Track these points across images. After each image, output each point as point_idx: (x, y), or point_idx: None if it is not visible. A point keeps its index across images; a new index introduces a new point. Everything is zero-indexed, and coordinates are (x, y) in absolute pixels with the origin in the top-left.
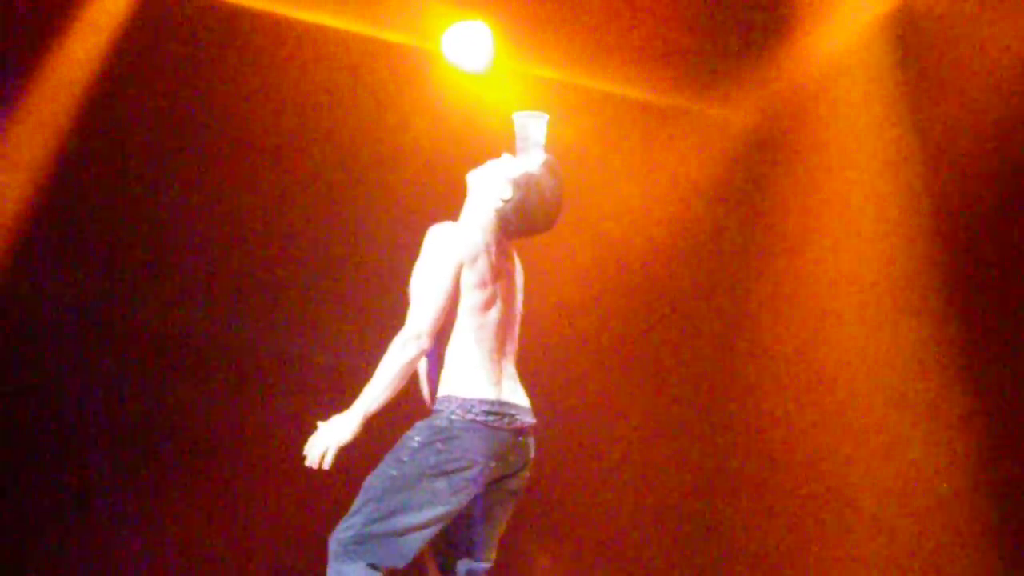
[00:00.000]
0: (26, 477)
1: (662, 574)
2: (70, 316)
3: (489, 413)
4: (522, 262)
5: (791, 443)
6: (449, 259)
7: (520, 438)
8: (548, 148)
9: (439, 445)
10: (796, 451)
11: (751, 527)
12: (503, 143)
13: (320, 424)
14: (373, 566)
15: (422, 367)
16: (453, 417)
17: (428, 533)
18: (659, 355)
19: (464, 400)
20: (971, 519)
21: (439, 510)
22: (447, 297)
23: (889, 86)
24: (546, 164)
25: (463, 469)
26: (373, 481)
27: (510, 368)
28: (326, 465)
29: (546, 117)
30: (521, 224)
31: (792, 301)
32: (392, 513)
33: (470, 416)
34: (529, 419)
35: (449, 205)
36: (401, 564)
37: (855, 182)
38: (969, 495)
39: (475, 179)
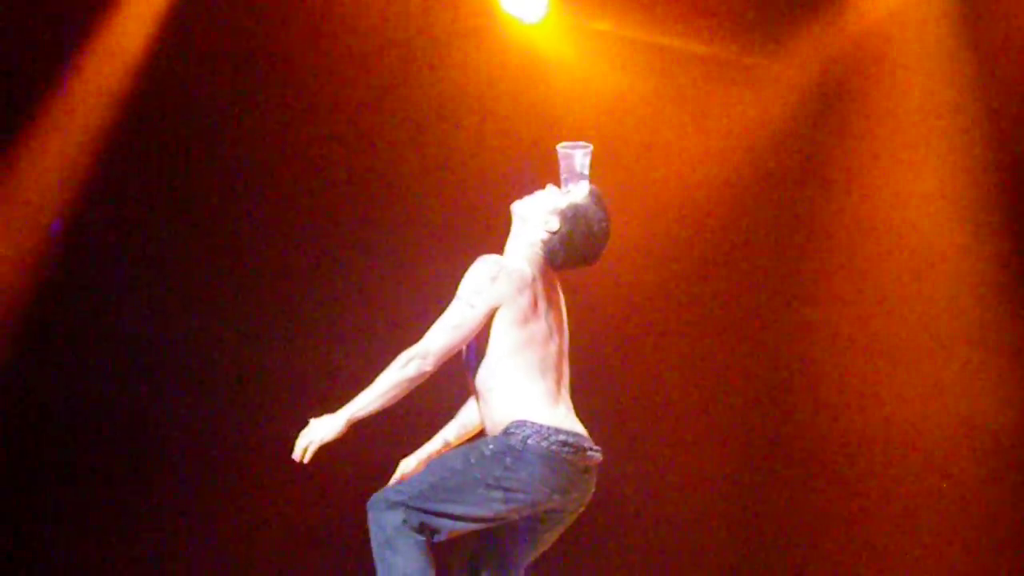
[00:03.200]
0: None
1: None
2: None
3: (565, 444)
4: None
5: (848, 402)
6: (486, 296)
7: (586, 475)
8: (600, 99)
9: (508, 461)
10: (852, 413)
11: (804, 493)
12: (557, 94)
13: (311, 420)
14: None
15: (482, 399)
16: (529, 441)
17: (466, 526)
18: (714, 307)
19: (541, 427)
20: None
21: (486, 514)
22: (469, 331)
23: (948, 40)
24: (592, 195)
25: (524, 491)
26: (436, 467)
27: (569, 401)
28: (306, 459)
29: (590, 147)
30: (568, 256)
31: (849, 253)
32: (441, 499)
33: (545, 443)
34: (598, 456)
35: (502, 163)
36: (432, 539)
37: (914, 137)
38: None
39: (521, 210)
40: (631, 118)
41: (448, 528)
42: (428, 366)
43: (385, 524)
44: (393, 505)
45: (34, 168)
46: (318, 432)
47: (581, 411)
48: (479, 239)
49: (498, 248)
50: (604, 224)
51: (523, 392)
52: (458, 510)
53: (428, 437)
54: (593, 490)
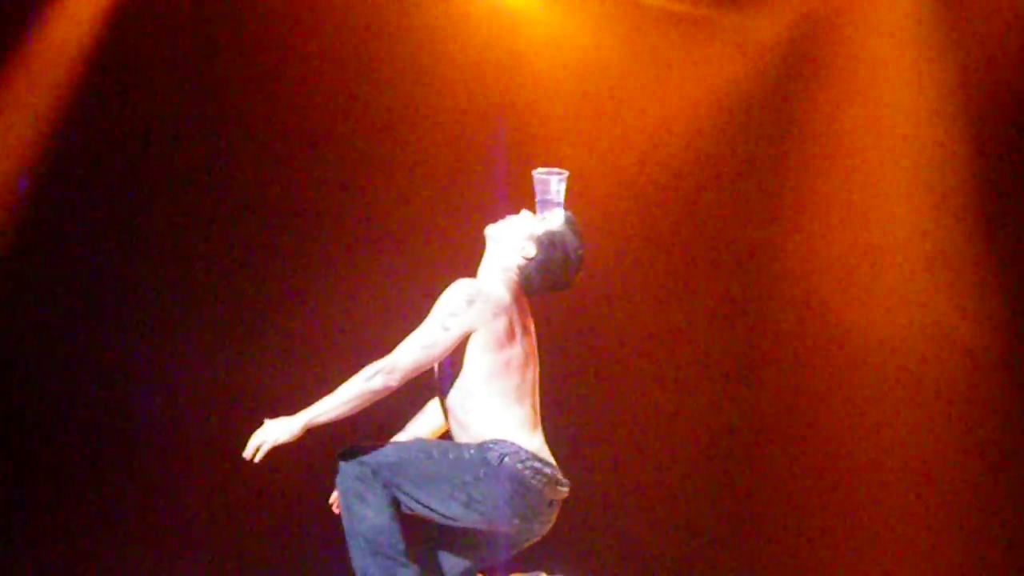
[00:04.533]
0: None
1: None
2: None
3: (538, 472)
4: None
5: (821, 368)
6: (462, 319)
7: (550, 508)
8: (569, 55)
9: (481, 472)
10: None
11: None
12: (525, 50)
13: (267, 421)
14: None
15: (457, 422)
16: (505, 460)
17: (421, 510)
18: (684, 267)
19: (520, 449)
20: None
21: (442, 510)
22: (439, 352)
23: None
24: (568, 222)
25: (486, 506)
26: (414, 446)
27: (542, 430)
28: (258, 459)
29: (566, 173)
30: (543, 282)
31: (821, 213)
32: (408, 477)
33: (520, 466)
34: (566, 492)
35: (468, 128)
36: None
37: (886, 95)
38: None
39: (496, 234)
40: (601, 74)
41: (405, 503)
42: (393, 382)
43: (355, 476)
44: (362, 463)
45: None
46: (273, 433)
47: (548, 386)
48: (448, 217)
49: (464, 226)
50: (580, 252)
51: (502, 417)
52: (418, 494)
53: None
54: (552, 523)
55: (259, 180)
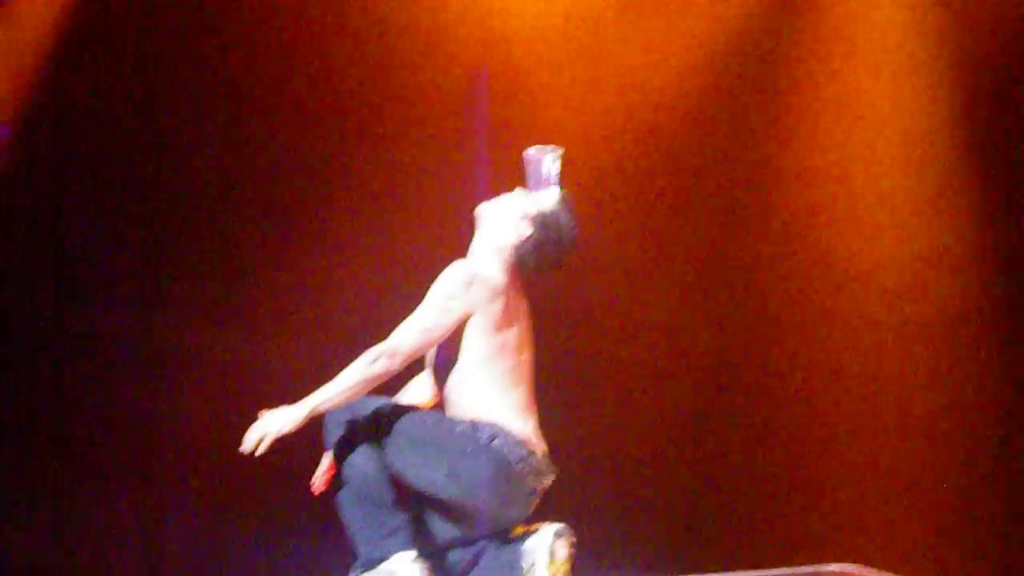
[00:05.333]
0: None
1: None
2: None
3: (523, 460)
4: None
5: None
6: (461, 302)
7: (532, 496)
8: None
9: (468, 448)
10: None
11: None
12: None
13: (264, 412)
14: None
15: (451, 404)
16: (493, 443)
17: (401, 469)
18: (670, 217)
19: (509, 434)
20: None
21: (423, 473)
22: (439, 335)
23: None
24: (563, 200)
25: (466, 483)
26: (409, 409)
27: (536, 415)
28: (259, 452)
29: (561, 151)
30: (538, 262)
31: (810, 161)
32: (396, 432)
33: (507, 450)
34: (549, 480)
35: (449, 83)
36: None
37: (878, 28)
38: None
39: (489, 214)
40: (581, 23)
41: (390, 462)
42: (395, 365)
43: (346, 426)
44: (354, 414)
45: None
46: (275, 424)
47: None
48: (435, 191)
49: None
50: (575, 231)
51: (496, 401)
52: (405, 452)
53: None
54: (531, 510)
55: (232, 153)
